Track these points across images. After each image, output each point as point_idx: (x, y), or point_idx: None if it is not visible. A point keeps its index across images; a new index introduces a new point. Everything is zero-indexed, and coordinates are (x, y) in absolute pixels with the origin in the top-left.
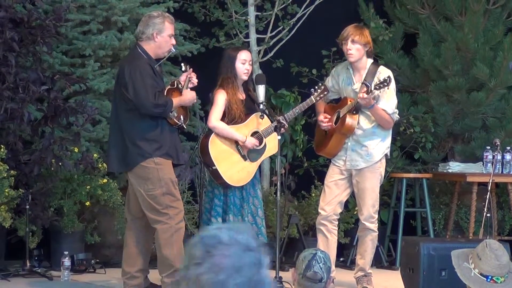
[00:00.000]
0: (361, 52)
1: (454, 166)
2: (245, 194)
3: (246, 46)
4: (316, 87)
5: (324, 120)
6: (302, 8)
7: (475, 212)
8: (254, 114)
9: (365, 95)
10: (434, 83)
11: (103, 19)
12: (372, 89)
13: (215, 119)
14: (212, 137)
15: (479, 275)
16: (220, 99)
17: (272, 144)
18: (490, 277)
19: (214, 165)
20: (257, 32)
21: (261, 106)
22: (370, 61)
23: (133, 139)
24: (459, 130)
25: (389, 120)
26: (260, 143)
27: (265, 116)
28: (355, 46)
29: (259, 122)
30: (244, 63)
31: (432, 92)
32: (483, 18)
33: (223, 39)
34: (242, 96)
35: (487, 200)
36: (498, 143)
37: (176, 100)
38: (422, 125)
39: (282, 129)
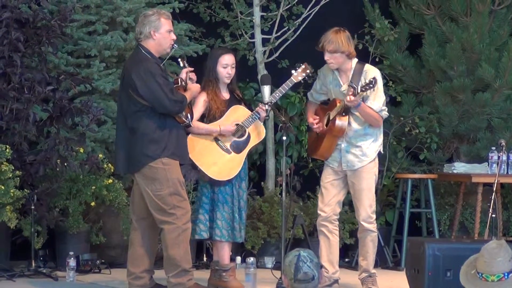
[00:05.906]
0: (340, 59)
1: (459, 167)
2: (235, 191)
3: (251, 46)
4: (297, 67)
5: (314, 122)
6: (308, 9)
7: (481, 213)
8: (230, 108)
9: (352, 98)
10: (439, 84)
11: (108, 19)
12: (359, 91)
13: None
14: (188, 139)
15: (476, 273)
16: (199, 100)
17: (255, 132)
18: (481, 274)
19: (197, 166)
20: (263, 32)
21: (266, 107)
22: (355, 60)
23: (141, 140)
24: (464, 130)
25: (377, 118)
26: (243, 134)
27: (245, 107)
28: (333, 55)
29: (238, 115)
30: (225, 67)
31: (437, 92)
32: (489, 18)
33: (228, 40)
34: (225, 96)
35: (492, 201)
36: (504, 143)
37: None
38: (427, 125)
39: (264, 109)
